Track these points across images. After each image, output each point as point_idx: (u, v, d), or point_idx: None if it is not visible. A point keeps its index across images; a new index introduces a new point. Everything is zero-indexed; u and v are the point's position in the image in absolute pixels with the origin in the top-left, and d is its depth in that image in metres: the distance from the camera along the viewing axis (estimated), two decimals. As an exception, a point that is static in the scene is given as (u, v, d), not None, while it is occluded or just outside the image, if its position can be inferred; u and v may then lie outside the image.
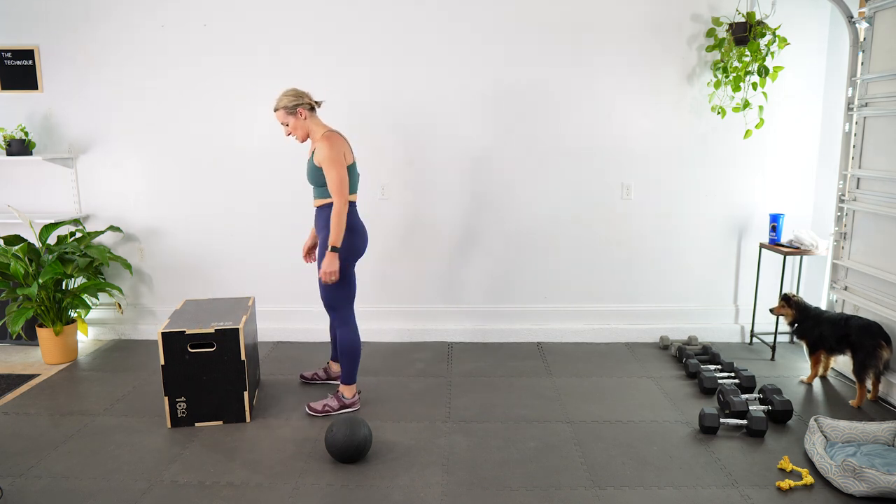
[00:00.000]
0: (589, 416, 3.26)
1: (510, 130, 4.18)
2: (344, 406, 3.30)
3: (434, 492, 2.59)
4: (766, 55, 3.84)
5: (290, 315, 4.42)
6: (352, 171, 3.15)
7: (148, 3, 4.07)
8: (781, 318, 3.97)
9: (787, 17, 4.00)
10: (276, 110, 3.13)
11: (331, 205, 3.12)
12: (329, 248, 3.04)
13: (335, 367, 3.65)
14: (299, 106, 3.09)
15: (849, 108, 3.77)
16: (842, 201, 3.83)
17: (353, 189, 3.17)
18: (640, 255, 4.33)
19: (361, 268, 4.34)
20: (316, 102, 3.17)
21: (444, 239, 4.32)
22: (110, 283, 4.31)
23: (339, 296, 3.18)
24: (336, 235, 3.03)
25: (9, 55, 4.15)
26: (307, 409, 3.30)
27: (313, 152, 3.10)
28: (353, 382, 3.31)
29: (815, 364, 3.66)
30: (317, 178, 3.11)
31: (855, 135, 3.74)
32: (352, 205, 3.17)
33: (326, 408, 3.27)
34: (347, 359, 3.26)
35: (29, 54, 4.14)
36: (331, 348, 3.67)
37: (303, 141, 3.19)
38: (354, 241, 3.17)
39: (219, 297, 4.38)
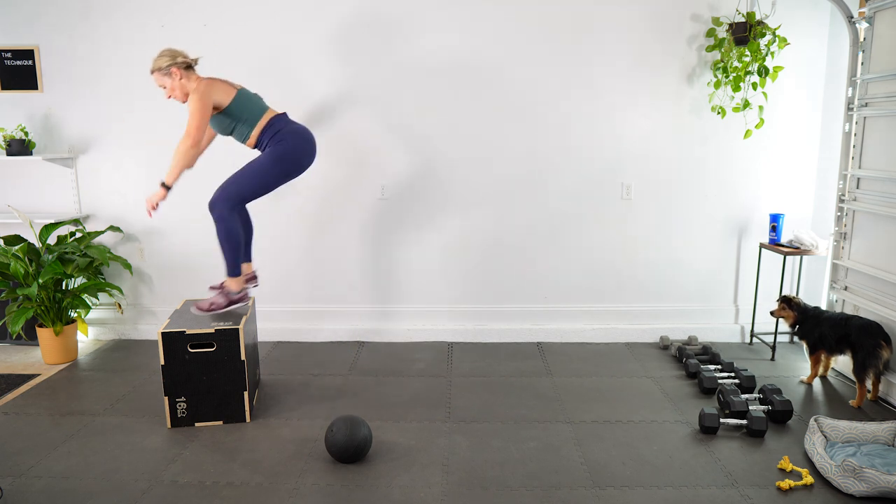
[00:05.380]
0: (589, 416, 3.26)
1: (510, 130, 4.18)
2: (232, 301, 3.20)
3: (434, 492, 2.59)
4: (766, 55, 3.84)
5: (290, 315, 4.42)
6: (240, 100, 3.10)
7: (148, 3, 4.07)
8: (782, 319, 3.97)
9: (787, 17, 4.00)
10: (151, 73, 3.10)
11: (261, 135, 3.13)
12: (160, 183, 3.07)
13: (246, 269, 3.50)
14: (173, 66, 3.05)
15: (849, 108, 3.77)
16: (842, 201, 3.83)
17: (261, 108, 3.17)
18: (640, 254, 4.33)
19: (360, 267, 4.34)
20: (192, 60, 3.11)
21: (444, 239, 4.32)
22: (110, 283, 4.32)
23: (249, 193, 3.12)
24: (173, 173, 3.05)
25: (9, 55, 4.15)
26: (194, 309, 3.18)
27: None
28: (238, 274, 3.21)
29: (815, 364, 3.66)
30: (221, 125, 3.12)
31: (855, 135, 3.74)
32: (279, 118, 3.18)
33: (213, 305, 3.18)
34: (230, 249, 3.15)
35: (29, 54, 4.14)
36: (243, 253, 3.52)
37: (184, 101, 3.13)
38: (297, 155, 3.15)
39: (219, 297, 4.38)
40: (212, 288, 3.43)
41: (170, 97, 3.14)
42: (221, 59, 4.12)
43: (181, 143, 3.02)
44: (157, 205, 3.11)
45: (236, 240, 3.15)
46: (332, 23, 4.07)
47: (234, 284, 3.23)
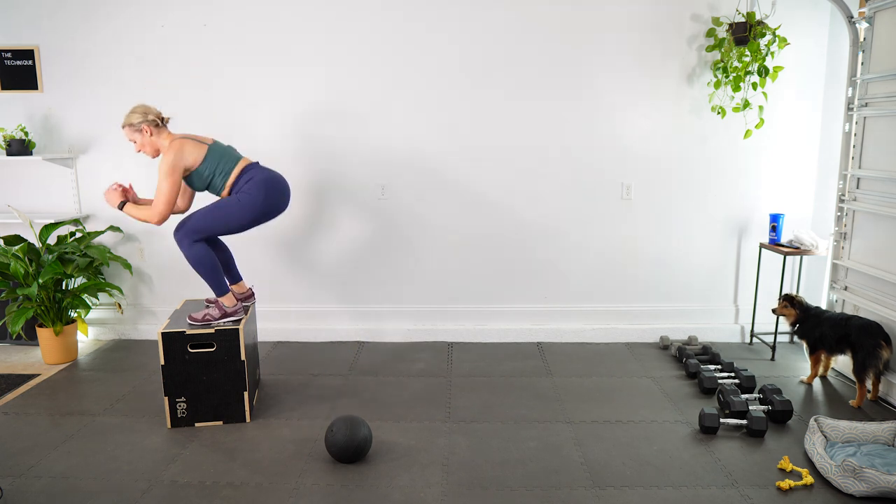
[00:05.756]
0: (589, 416, 3.26)
1: (510, 130, 4.18)
2: (226, 314, 3.21)
3: (434, 492, 2.59)
4: (766, 55, 3.84)
5: (290, 315, 4.42)
6: (211, 157, 3.13)
7: (148, 3, 4.07)
8: (782, 318, 3.97)
9: (787, 17, 4.00)
10: (122, 127, 3.16)
11: (233, 187, 3.16)
12: (118, 204, 3.18)
13: (238, 290, 3.48)
14: (144, 123, 3.10)
15: (849, 108, 3.77)
16: (842, 201, 3.83)
17: (233, 159, 3.19)
18: (640, 254, 4.33)
19: (360, 267, 4.34)
20: (162, 119, 3.17)
21: (445, 239, 4.32)
22: (110, 283, 4.32)
23: (211, 230, 3.13)
24: (132, 213, 3.16)
25: (9, 55, 4.15)
26: (188, 320, 3.19)
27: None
28: (227, 291, 3.22)
29: (815, 364, 3.66)
30: (196, 183, 3.18)
31: (855, 135, 3.74)
32: (252, 167, 3.20)
33: (207, 316, 3.18)
34: (207, 274, 3.17)
35: (29, 54, 4.14)
36: (229, 278, 3.49)
37: (154, 157, 3.21)
38: (263, 203, 3.15)
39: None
40: (207, 302, 3.46)
41: (139, 151, 3.20)
42: (221, 58, 4.12)
43: (149, 216, 3.11)
44: (108, 200, 3.20)
45: (208, 263, 3.16)
46: (332, 23, 4.07)
47: (227, 301, 3.24)
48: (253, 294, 3.53)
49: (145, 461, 2.84)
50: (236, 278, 3.50)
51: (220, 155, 3.17)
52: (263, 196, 3.15)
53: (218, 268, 3.20)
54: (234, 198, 3.15)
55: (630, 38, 4.06)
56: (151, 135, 3.12)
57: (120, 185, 3.24)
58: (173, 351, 3.07)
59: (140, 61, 4.14)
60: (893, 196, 3.42)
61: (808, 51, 4.07)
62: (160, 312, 4.46)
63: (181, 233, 3.12)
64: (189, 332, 3.07)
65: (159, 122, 3.14)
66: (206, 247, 3.15)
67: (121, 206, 3.18)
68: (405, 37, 4.08)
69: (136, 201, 3.30)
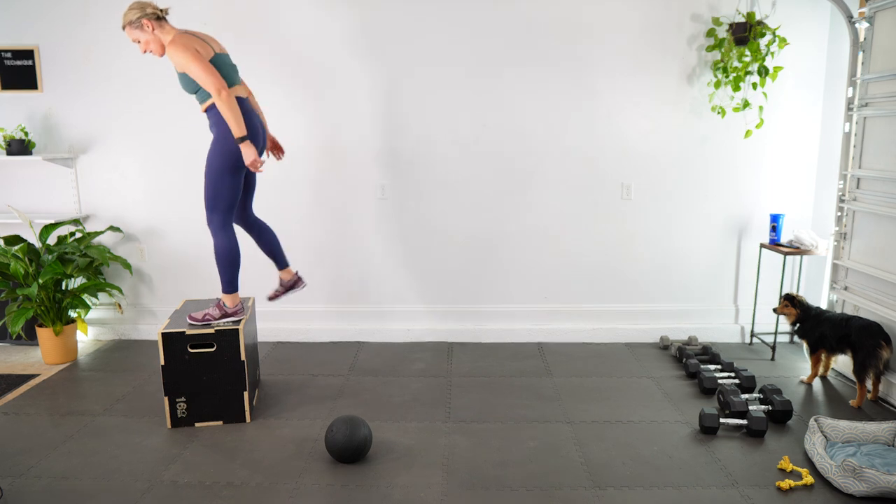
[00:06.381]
0: (589, 416, 3.26)
1: (510, 130, 4.18)
2: (226, 314, 3.20)
3: (434, 492, 2.59)
4: (766, 55, 3.84)
5: (290, 315, 4.42)
6: (221, 62, 3.02)
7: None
8: (783, 317, 3.98)
9: (787, 17, 4.00)
10: (123, 28, 3.02)
11: (212, 107, 3.05)
12: (237, 140, 2.96)
13: (286, 276, 3.54)
14: (143, 17, 2.96)
15: (849, 108, 3.77)
16: (842, 201, 3.83)
17: (232, 81, 3.06)
18: (639, 254, 4.33)
19: (360, 267, 4.34)
20: (162, 10, 3.03)
21: (445, 239, 4.32)
22: (110, 283, 4.31)
23: (220, 196, 3.08)
24: (236, 125, 2.94)
25: (9, 55, 4.15)
26: (188, 319, 3.17)
27: (178, 67, 3.00)
28: (235, 291, 3.21)
29: (815, 364, 3.66)
30: (188, 84, 3.02)
31: (855, 135, 3.74)
32: (241, 101, 3.06)
33: (207, 316, 3.17)
34: (224, 267, 3.14)
35: (29, 54, 4.14)
36: (273, 261, 3.52)
37: (161, 54, 3.05)
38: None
39: (219, 297, 4.37)
40: (271, 299, 3.58)
41: (145, 51, 3.05)
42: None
43: (217, 99, 2.91)
44: (260, 161, 3.03)
45: (230, 257, 3.15)
46: (332, 24, 4.08)
47: (229, 300, 3.23)
48: (299, 280, 3.54)
49: (145, 461, 2.84)
50: (282, 264, 3.53)
51: (223, 66, 3.04)
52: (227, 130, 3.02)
53: (238, 264, 3.19)
54: (213, 147, 3.04)
55: (630, 38, 4.06)
56: (153, 30, 2.98)
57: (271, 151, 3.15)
58: (173, 351, 3.07)
59: (140, 61, 4.14)
60: (893, 196, 3.42)
61: (808, 51, 4.07)
62: (160, 312, 4.46)
63: (208, 216, 3.12)
64: (189, 332, 3.07)
65: (160, 15, 3.01)
66: (232, 240, 3.14)
67: (241, 140, 2.97)
68: (405, 37, 4.08)
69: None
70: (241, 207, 3.39)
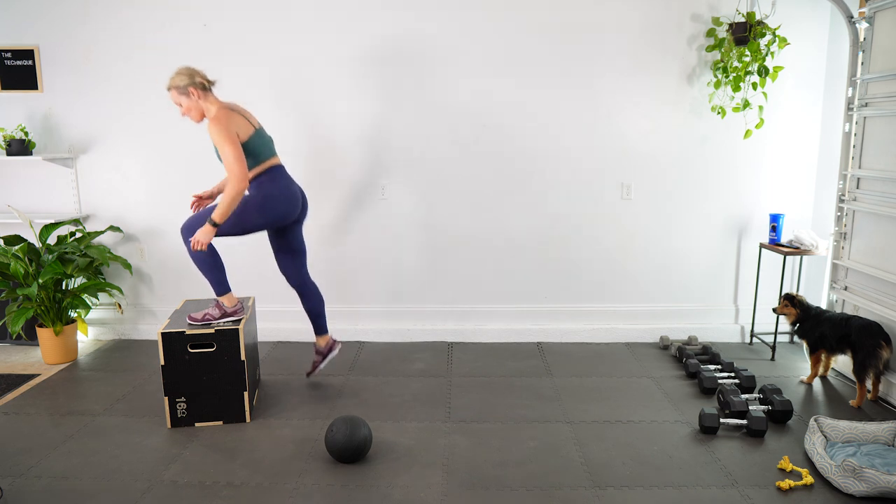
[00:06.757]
0: (589, 416, 3.26)
1: (510, 130, 4.18)
2: (226, 314, 3.20)
3: (434, 492, 2.59)
4: (766, 55, 3.84)
5: (290, 315, 4.41)
6: (259, 137, 3.12)
7: (148, 3, 4.07)
8: (783, 317, 3.98)
9: (787, 17, 4.00)
10: (168, 90, 3.10)
11: (255, 179, 3.14)
12: (208, 221, 2.99)
13: (321, 342, 3.59)
14: (190, 85, 3.04)
15: (849, 108, 3.77)
16: (842, 201, 3.83)
17: (269, 153, 3.17)
18: (640, 254, 4.33)
19: (361, 267, 4.34)
20: (209, 81, 3.11)
21: (445, 239, 4.32)
22: (110, 283, 4.32)
23: (232, 230, 3.12)
24: (222, 212, 2.98)
25: (9, 55, 4.15)
26: (188, 320, 3.18)
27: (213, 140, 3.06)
28: (227, 291, 3.21)
29: (815, 364, 3.66)
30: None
31: (855, 135, 3.74)
32: (278, 168, 3.18)
33: (207, 316, 3.18)
34: (206, 272, 3.14)
35: (29, 54, 4.14)
36: (312, 324, 3.58)
37: (199, 121, 3.15)
38: (279, 207, 3.17)
39: (219, 297, 4.38)
40: (310, 374, 3.62)
41: (184, 115, 3.14)
42: (221, 58, 4.12)
43: (231, 187, 2.97)
44: (205, 244, 3.04)
45: (209, 260, 3.14)
46: (332, 24, 4.08)
47: (227, 301, 3.24)
48: (335, 343, 3.58)
49: (145, 461, 2.84)
50: (322, 330, 3.58)
51: (261, 142, 3.14)
52: (281, 200, 3.17)
53: (219, 266, 3.20)
54: (251, 195, 3.14)
55: (630, 37, 4.06)
56: (199, 98, 3.07)
57: (196, 202, 3.12)
58: (173, 351, 3.07)
59: (140, 61, 4.14)
60: (893, 196, 3.42)
61: (808, 51, 4.07)
62: (160, 312, 4.46)
63: (186, 229, 3.11)
64: (189, 332, 3.07)
65: (206, 85, 3.10)
66: (209, 245, 3.13)
67: (214, 224, 3.01)
68: (406, 38, 4.07)
69: (213, 196, 3.35)
70: (295, 270, 3.46)
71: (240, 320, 3.20)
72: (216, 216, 2.99)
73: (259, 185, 3.17)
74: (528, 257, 4.33)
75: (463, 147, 4.20)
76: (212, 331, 3.08)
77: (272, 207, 3.17)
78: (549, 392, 3.55)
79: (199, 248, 3.03)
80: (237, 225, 3.13)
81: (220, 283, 3.21)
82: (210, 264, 3.16)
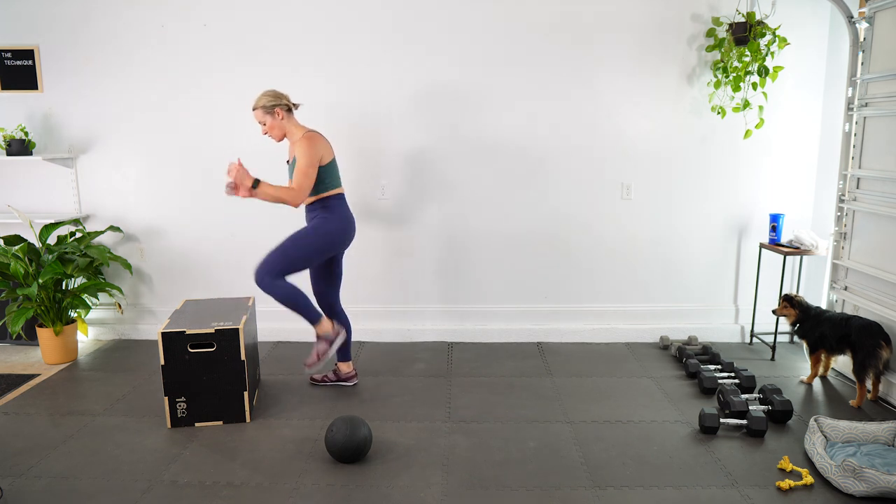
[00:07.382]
0: (589, 416, 3.26)
1: (510, 130, 4.18)
2: (331, 342, 3.31)
3: (434, 492, 2.59)
4: (766, 55, 3.84)
5: (290, 315, 4.39)
6: (332, 167, 3.26)
7: (148, 3, 4.07)
8: (783, 318, 3.97)
9: (787, 17, 4.00)
10: (254, 109, 3.22)
11: (321, 200, 3.25)
12: (253, 182, 3.07)
13: (344, 368, 3.63)
14: (277, 106, 3.19)
15: (849, 108, 3.77)
16: (842, 201, 3.83)
17: (337, 183, 3.31)
18: (640, 255, 4.33)
19: (361, 267, 4.34)
20: (294, 104, 3.26)
21: (445, 239, 4.32)
22: (110, 283, 4.32)
23: (291, 267, 3.18)
24: (268, 191, 3.09)
25: (9, 55, 4.15)
26: (306, 369, 3.35)
27: (295, 155, 3.18)
28: (319, 318, 3.27)
29: (815, 364, 3.66)
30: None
31: (855, 135, 3.74)
32: (341, 197, 3.33)
33: (319, 353, 3.29)
34: (296, 309, 3.19)
35: (29, 54, 4.14)
36: (338, 351, 3.62)
37: (279, 140, 3.29)
38: (336, 239, 3.28)
39: (219, 297, 4.38)
40: (315, 381, 3.67)
41: (266, 134, 3.25)
42: (222, 59, 4.12)
43: (288, 194, 3.11)
44: (240, 181, 3.07)
45: (296, 297, 3.18)
46: (333, 25, 4.08)
47: (322, 329, 3.30)
48: (355, 376, 3.66)
49: (145, 461, 2.84)
50: (346, 357, 3.63)
51: (335, 170, 3.29)
52: (338, 234, 3.28)
53: (306, 299, 3.24)
54: (313, 225, 3.25)
55: (630, 37, 4.06)
56: (283, 119, 3.21)
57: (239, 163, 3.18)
58: (173, 351, 3.07)
59: (140, 61, 4.14)
60: (893, 196, 3.42)
61: (808, 51, 4.07)
62: (160, 312, 4.46)
63: (261, 273, 3.15)
64: (189, 331, 3.07)
65: (290, 108, 3.24)
66: (286, 284, 3.17)
67: (255, 185, 3.08)
68: (406, 38, 4.08)
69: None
70: (329, 294, 3.51)
71: (240, 319, 3.20)
72: (263, 184, 3.09)
73: (323, 216, 3.26)
74: (528, 257, 4.33)
75: (463, 147, 4.20)
76: (211, 330, 3.08)
77: (330, 243, 3.28)
78: (549, 392, 3.55)
79: (240, 188, 3.08)
80: (300, 261, 3.20)
81: (310, 313, 3.25)
82: (299, 302, 3.19)
